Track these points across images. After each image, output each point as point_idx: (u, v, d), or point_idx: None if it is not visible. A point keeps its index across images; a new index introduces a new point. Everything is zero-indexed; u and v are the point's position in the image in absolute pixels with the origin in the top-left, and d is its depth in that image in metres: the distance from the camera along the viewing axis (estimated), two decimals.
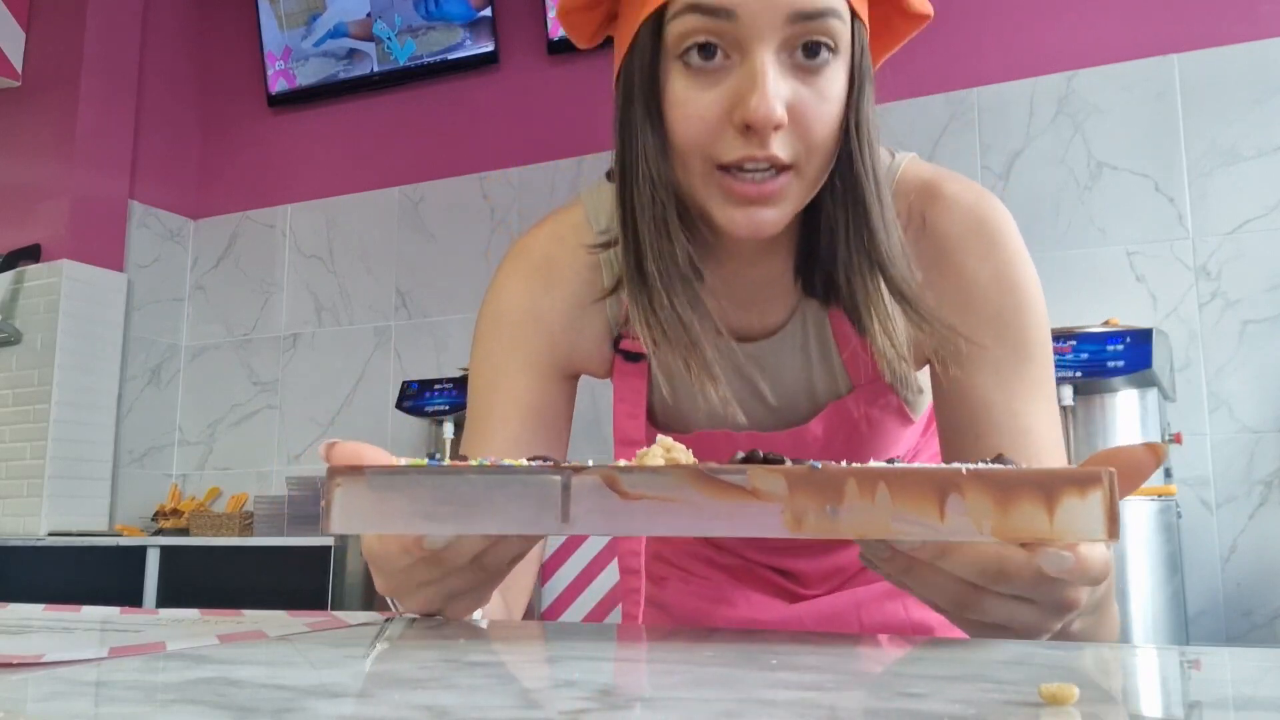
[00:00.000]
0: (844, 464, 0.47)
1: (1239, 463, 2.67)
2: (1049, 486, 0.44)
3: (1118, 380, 2.32)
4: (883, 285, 0.73)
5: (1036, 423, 0.75)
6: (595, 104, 3.50)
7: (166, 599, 3.31)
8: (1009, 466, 0.47)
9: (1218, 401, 2.71)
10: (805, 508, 0.45)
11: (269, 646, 0.51)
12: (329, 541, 3.11)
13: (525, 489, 0.48)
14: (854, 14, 0.70)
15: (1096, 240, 2.90)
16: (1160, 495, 2.30)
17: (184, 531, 3.67)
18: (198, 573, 3.35)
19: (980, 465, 0.46)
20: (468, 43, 3.83)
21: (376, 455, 0.54)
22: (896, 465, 0.46)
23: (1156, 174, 2.86)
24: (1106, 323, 2.43)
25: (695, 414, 0.86)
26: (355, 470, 0.50)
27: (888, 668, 0.40)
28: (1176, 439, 2.46)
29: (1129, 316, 2.70)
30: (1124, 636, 2.20)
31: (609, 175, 0.83)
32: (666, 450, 0.51)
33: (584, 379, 0.91)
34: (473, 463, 0.51)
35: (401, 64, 3.94)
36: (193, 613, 0.76)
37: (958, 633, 0.99)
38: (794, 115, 0.68)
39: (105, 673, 0.40)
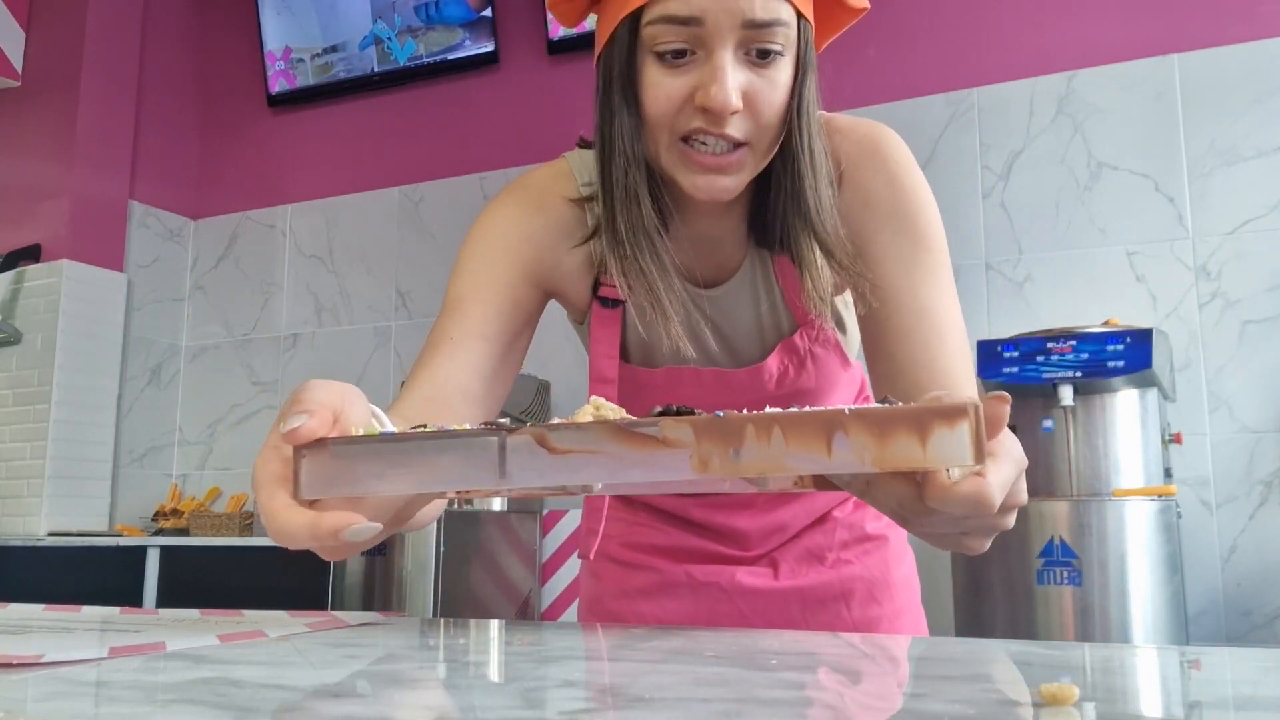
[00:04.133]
0: (744, 412, 0.52)
1: (1239, 463, 2.67)
2: (921, 421, 0.48)
3: (1118, 380, 2.32)
4: (814, 240, 0.88)
5: (935, 303, 0.86)
6: None
7: (166, 599, 3.31)
8: (891, 405, 0.51)
9: (1218, 401, 2.71)
10: (710, 452, 0.51)
11: (269, 646, 0.51)
12: None
13: (468, 450, 0.54)
14: (800, 15, 0.83)
15: (1096, 240, 2.90)
16: (1160, 495, 2.30)
17: (184, 531, 3.66)
18: (198, 573, 3.35)
19: (862, 406, 0.50)
20: (467, 43, 3.83)
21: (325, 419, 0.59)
22: (789, 410, 0.51)
23: (1156, 174, 2.86)
24: (1106, 323, 2.43)
25: (663, 352, 0.97)
26: (319, 441, 0.56)
27: (888, 668, 0.40)
28: (1177, 439, 2.46)
29: (1129, 316, 2.70)
30: (1124, 636, 2.20)
31: (582, 143, 0.99)
32: (596, 409, 0.57)
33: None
34: (420, 429, 0.57)
35: (401, 64, 3.94)
36: (193, 613, 0.76)
37: (902, 630, 1.01)
38: (748, 100, 0.81)
39: (105, 673, 0.40)
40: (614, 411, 0.57)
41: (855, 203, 0.90)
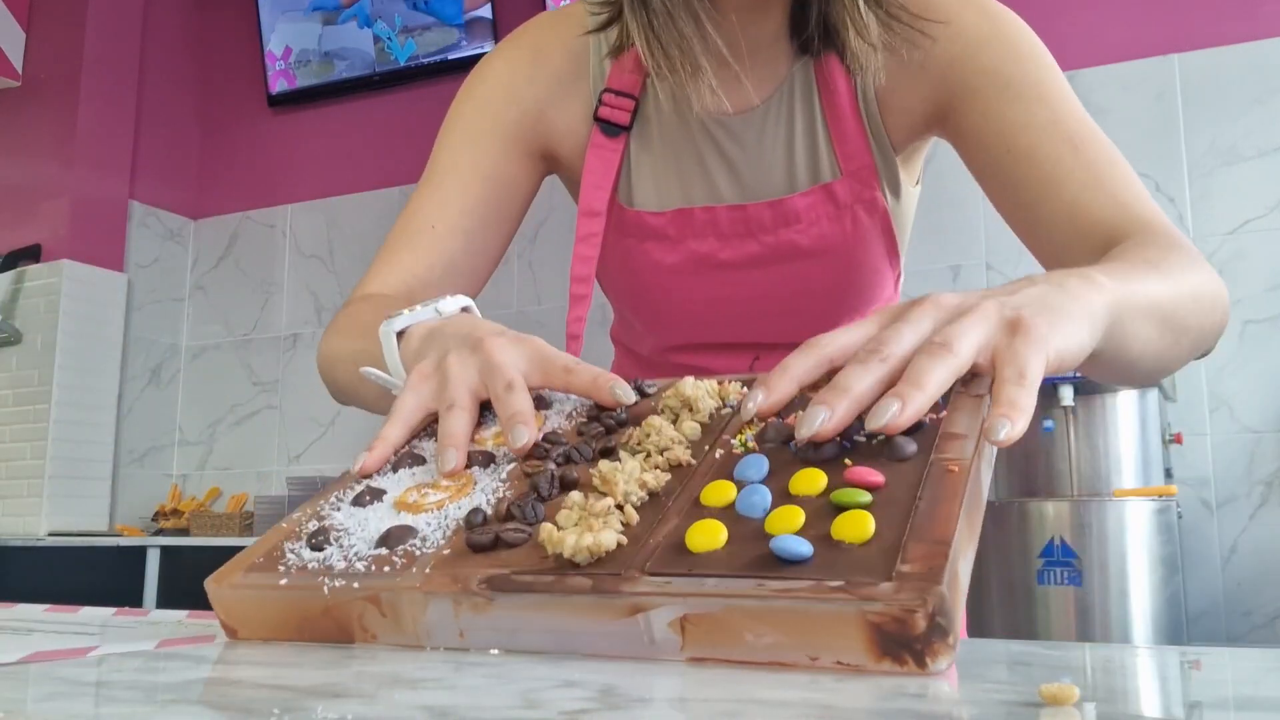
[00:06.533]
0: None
1: (1239, 463, 2.67)
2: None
3: None
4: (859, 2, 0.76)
5: (1064, 114, 0.76)
6: None
7: (166, 599, 3.31)
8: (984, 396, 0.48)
9: (1218, 401, 2.71)
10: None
11: (269, 646, 0.51)
12: None
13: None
14: None
15: None
16: (1160, 495, 2.30)
17: (184, 531, 3.66)
18: (198, 573, 3.32)
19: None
20: (464, 43, 3.83)
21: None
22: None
23: (1157, 174, 2.86)
24: None
25: (670, 190, 0.87)
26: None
27: (886, 672, 0.40)
28: (1177, 439, 2.46)
29: None
30: (1124, 636, 2.20)
31: None
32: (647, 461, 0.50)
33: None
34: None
35: (401, 64, 3.94)
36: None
37: None
38: None
39: (105, 673, 0.40)
40: (680, 447, 0.51)
41: (956, 42, 0.79)
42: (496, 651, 0.45)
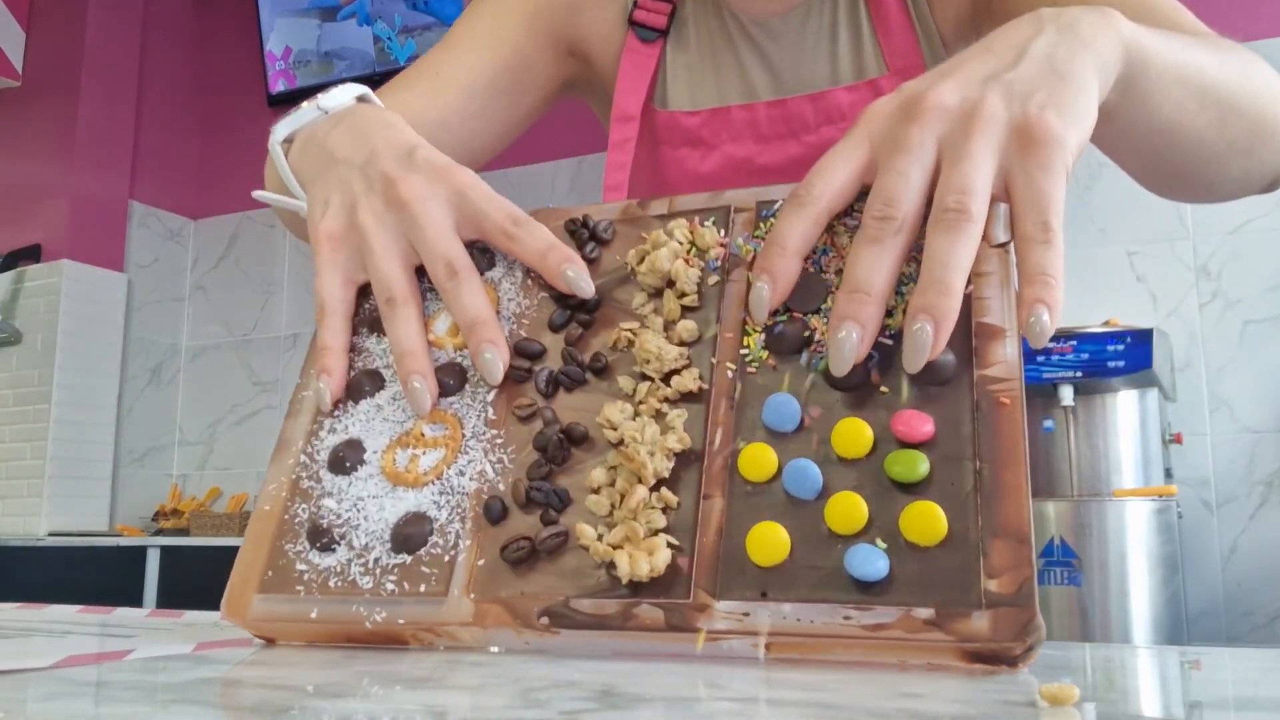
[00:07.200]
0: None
1: (1239, 463, 2.67)
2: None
3: (1118, 380, 2.32)
4: None
5: None
6: None
7: (166, 599, 3.31)
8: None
9: (1218, 401, 2.71)
10: None
11: (269, 647, 0.51)
12: None
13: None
14: None
15: (1096, 240, 2.90)
16: (1160, 495, 2.30)
17: (184, 531, 3.66)
18: (198, 573, 3.35)
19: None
20: None
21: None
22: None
23: None
24: (1106, 323, 2.43)
25: (706, 89, 0.84)
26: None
27: (889, 667, 0.40)
28: (1177, 439, 2.46)
29: (1129, 316, 2.69)
30: (1124, 636, 2.20)
31: None
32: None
33: None
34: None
35: (401, 64, 3.94)
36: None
37: None
38: None
39: (105, 673, 0.40)
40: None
41: None
42: (497, 649, 0.45)
